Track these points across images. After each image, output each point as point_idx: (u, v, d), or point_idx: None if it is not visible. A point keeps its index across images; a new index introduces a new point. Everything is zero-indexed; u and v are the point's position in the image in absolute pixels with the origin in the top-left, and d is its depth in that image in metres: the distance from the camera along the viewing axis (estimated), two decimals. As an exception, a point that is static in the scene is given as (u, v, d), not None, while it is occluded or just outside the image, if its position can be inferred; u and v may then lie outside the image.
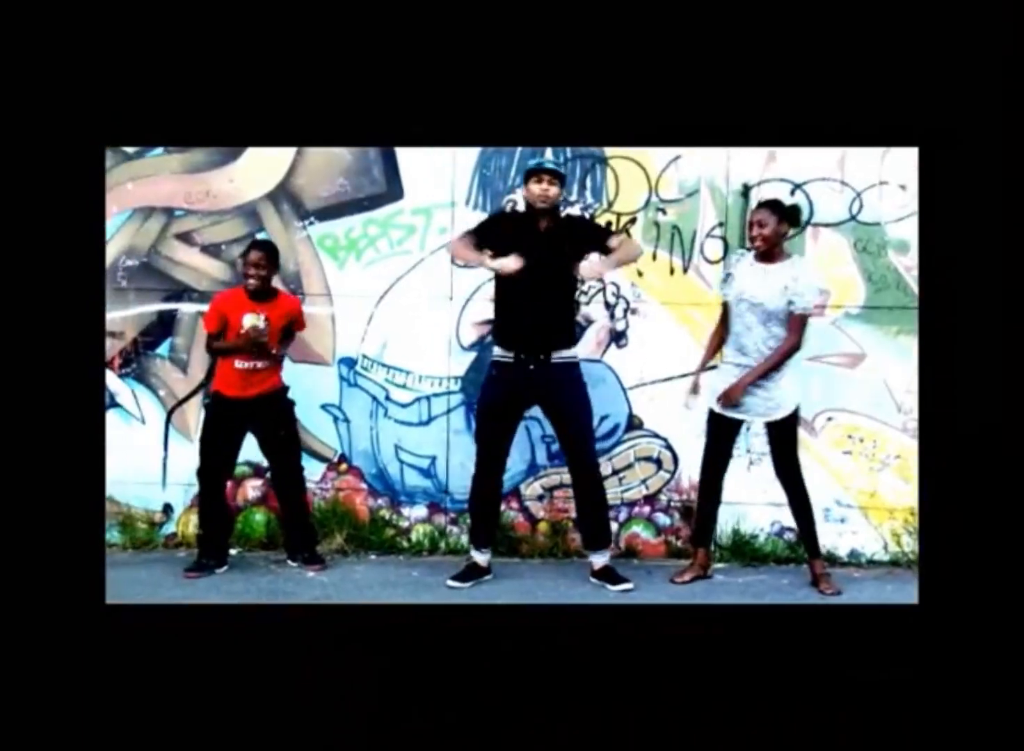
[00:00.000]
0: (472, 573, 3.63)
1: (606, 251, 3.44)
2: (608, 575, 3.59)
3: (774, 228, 3.42)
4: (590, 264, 3.41)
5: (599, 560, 3.63)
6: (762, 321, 3.44)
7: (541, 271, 3.34)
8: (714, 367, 3.70)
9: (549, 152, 3.89)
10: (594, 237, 3.52)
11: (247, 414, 3.64)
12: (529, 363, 3.39)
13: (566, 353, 3.47)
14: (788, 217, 3.48)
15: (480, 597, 3.47)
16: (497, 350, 3.52)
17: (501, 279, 3.45)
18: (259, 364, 3.63)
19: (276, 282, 3.93)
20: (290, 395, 3.95)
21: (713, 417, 3.61)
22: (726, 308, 3.59)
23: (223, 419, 3.67)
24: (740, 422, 3.60)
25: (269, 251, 3.64)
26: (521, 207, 3.96)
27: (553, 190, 3.37)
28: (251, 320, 3.56)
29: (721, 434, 3.61)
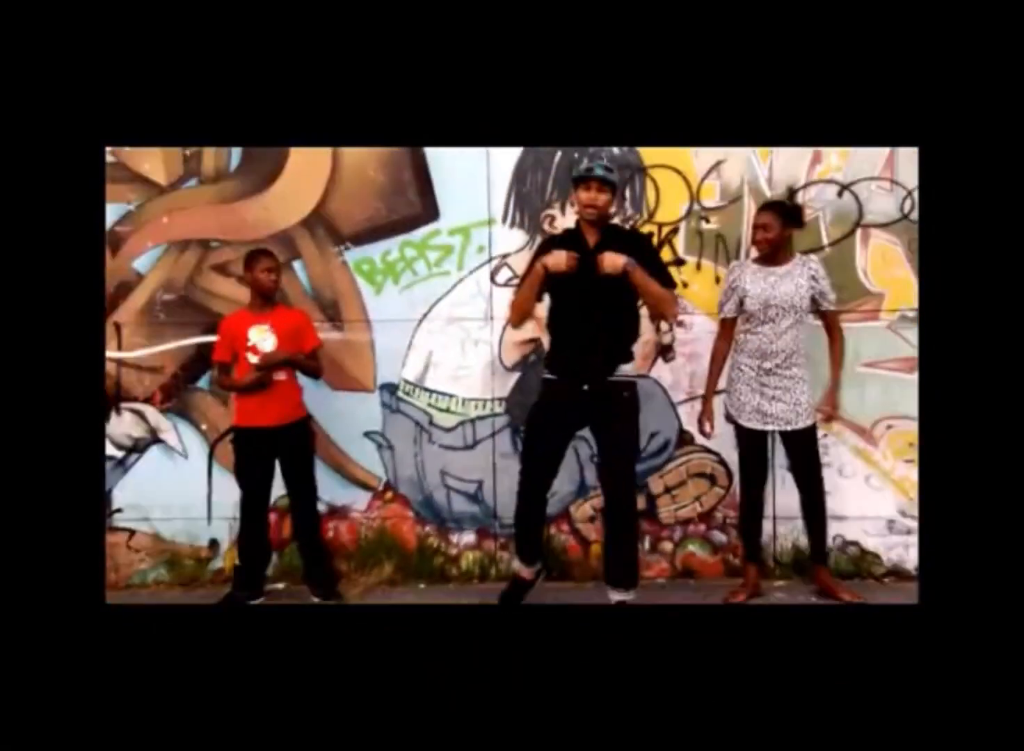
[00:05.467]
0: (515, 589, 3.49)
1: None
2: None
3: (779, 231, 3.41)
4: (614, 258, 3.08)
5: (616, 596, 3.33)
6: (794, 322, 3.43)
7: (594, 288, 3.13)
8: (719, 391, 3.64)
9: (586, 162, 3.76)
10: (649, 267, 3.18)
11: (271, 443, 3.58)
12: (579, 384, 3.21)
13: (624, 369, 3.25)
14: (791, 219, 3.46)
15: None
16: (546, 371, 3.37)
17: (553, 302, 3.30)
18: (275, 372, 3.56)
19: (312, 309, 3.96)
20: (331, 423, 3.97)
21: (743, 432, 3.55)
22: (728, 325, 3.55)
23: (248, 451, 3.62)
24: (767, 433, 3.53)
25: (273, 256, 3.64)
26: (559, 222, 3.93)
27: (602, 198, 3.16)
28: (256, 333, 3.54)
29: (755, 447, 3.56)
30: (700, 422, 3.61)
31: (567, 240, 3.30)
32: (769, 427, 3.49)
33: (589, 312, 3.17)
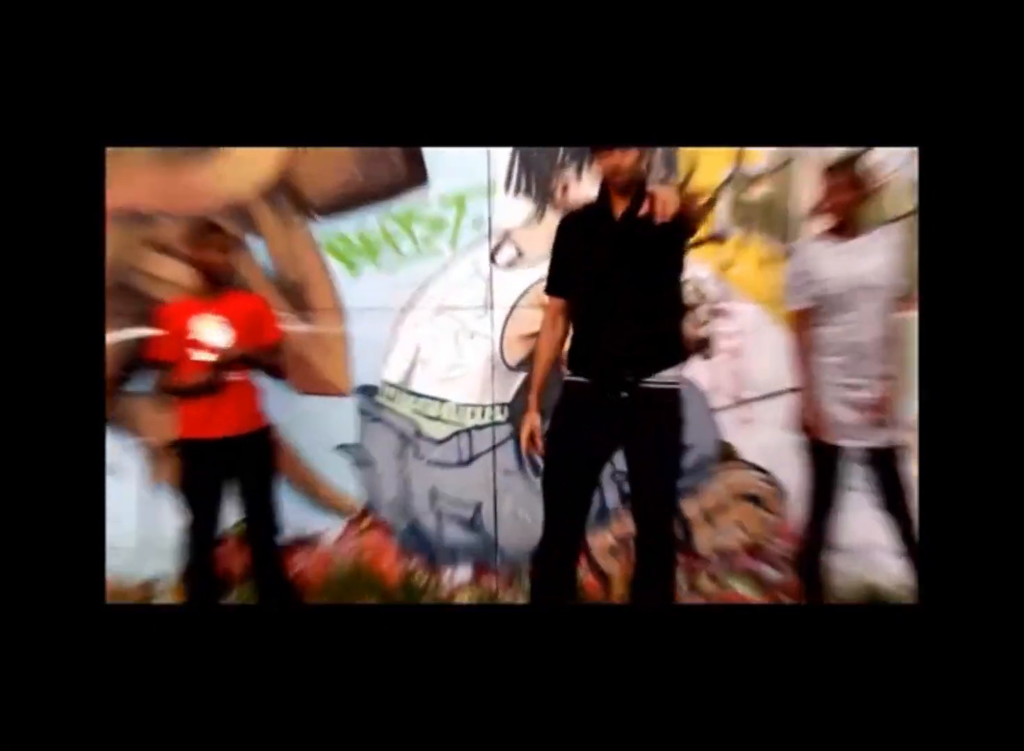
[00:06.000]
0: None
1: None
2: None
3: (854, 195, 2.99)
4: (666, 198, 2.54)
5: None
6: (883, 306, 2.98)
7: (623, 272, 2.67)
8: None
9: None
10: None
11: (223, 459, 3.15)
12: (615, 390, 2.70)
13: (666, 375, 2.73)
14: (862, 183, 3.05)
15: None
16: (568, 371, 2.90)
17: (581, 284, 2.82)
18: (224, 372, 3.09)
19: (273, 294, 3.59)
20: (297, 433, 3.63)
21: (818, 447, 3.06)
22: (803, 315, 3.07)
23: (195, 468, 3.17)
24: (841, 449, 3.04)
25: (224, 230, 3.21)
26: (574, 190, 3.50)
27: (627, 159, 2.66)
28: (202, 324, 3.07)
29: (832, 465, 3.08)
30: (809, 420, 3.06)
31: (590, 215, 2.82)
32: (860, 443, 2.97)
33: (617, 308, 2.69)
